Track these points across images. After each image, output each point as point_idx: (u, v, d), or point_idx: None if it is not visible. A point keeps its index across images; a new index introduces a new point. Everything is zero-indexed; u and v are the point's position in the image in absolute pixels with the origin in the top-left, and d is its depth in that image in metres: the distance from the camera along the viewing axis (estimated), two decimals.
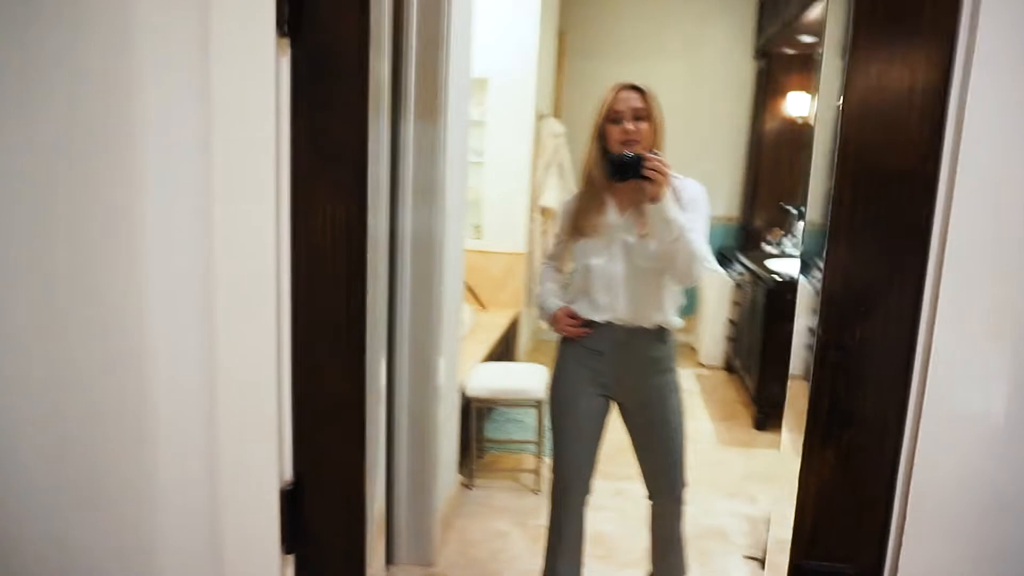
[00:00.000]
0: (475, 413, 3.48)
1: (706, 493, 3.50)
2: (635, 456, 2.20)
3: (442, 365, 2.64)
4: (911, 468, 1.05)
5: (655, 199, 1.79)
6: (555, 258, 2.25)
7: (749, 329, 4.78)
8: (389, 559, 2.74)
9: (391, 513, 2.69)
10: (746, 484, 3.61)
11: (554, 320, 2.14)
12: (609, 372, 2.08)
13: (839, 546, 1.00)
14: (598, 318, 2.03)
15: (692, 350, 6.00)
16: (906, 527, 1.02)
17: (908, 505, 1.03)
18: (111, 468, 1.07)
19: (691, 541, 3.02)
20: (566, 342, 2.14)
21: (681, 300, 2.11)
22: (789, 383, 1.67)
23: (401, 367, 2.56)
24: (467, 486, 3.40)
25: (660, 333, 2.05)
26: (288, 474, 0.94)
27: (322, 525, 1.00)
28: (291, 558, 0.98)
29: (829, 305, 1.11)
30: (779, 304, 4.25)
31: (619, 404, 2.15)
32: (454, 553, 2.85)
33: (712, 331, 5.68)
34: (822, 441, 1.05)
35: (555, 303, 2.16)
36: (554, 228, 2.43)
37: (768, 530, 2.79)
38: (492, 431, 4.00)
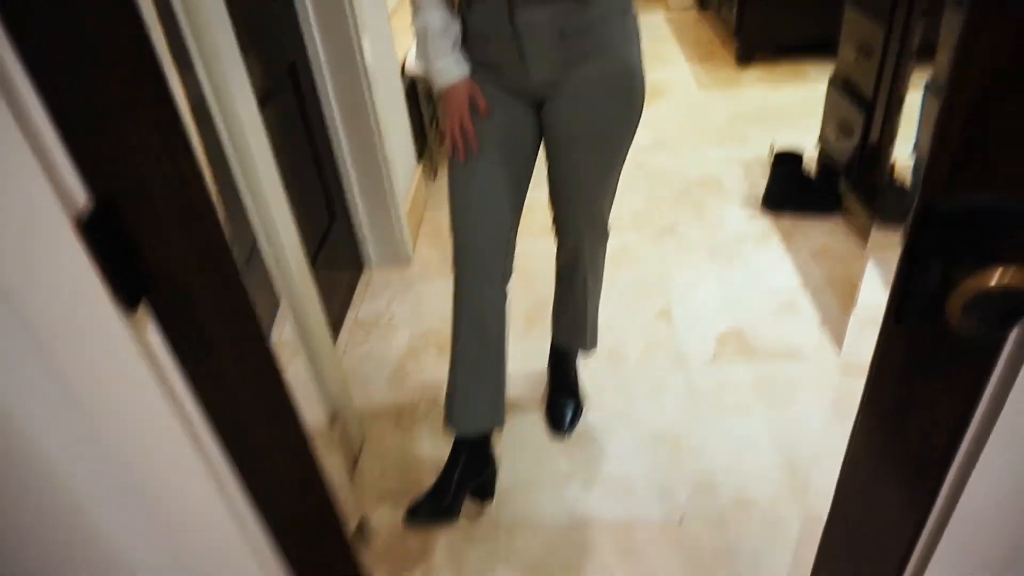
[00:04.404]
0: (423, 94, 3.01)
1: (694, 142, 3.20)
2: (547, 183, 1.52)
3: (368, 43, 2.11)
4: None
5: None
6: None
7: None
8: (361, 265, 2.49)
9: (349, 217, 2.38)
10: (734, 127, 3.29)
11: (450, 100, 1.34)
12: (512, 66, 1.32)
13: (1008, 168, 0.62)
14: None
15: None
16: None
17: None
18: None
19: (684, 193, 2.79)
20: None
21: None
22: None
23: (313, 48, 2.04)
24: (430, 174, 3.06)
25: None
26: (81, 197, 0.54)
27: (171, 258, 0.62)
28: (141, 316, 0.61)
29: None
30: None
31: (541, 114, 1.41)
32: (429, 249, 2.60)
33: None
34: None
35: (456, 65, 1.34)
36: None
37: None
38: None
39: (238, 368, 0.75)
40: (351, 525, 1.54)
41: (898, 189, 2.21)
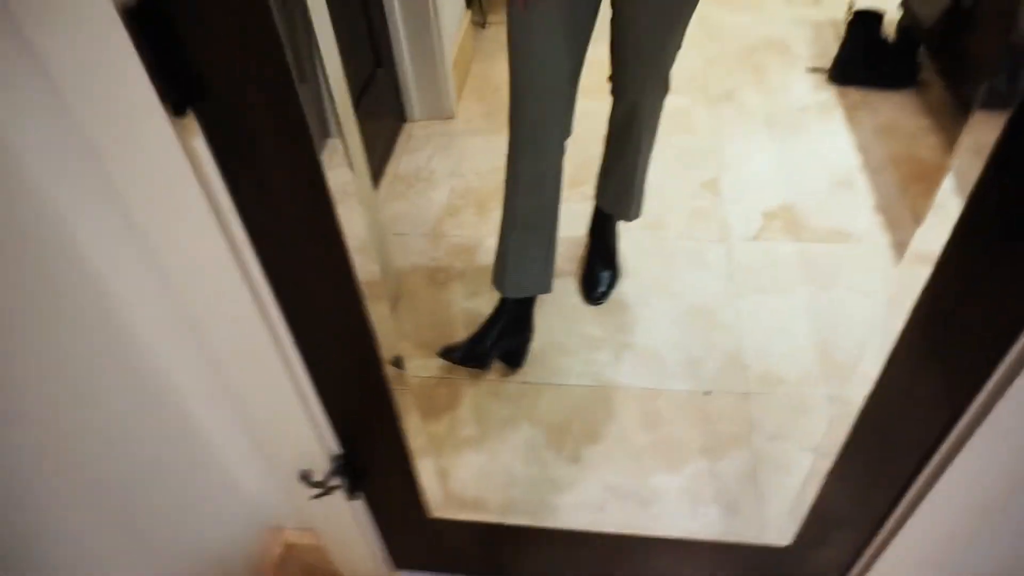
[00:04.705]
0: None
1: None
2: (611, 31, 1.41)
3: None
4: None
5: None
6: None
7: None
8: (403, 117, 2.43)
9: (394, 65, 2.29)
10: None
11: None
12: None
13: None
14: None
15: None
16: None
17: None
18: None
19: (746, 55, 2.61)
20: None
21: None
22: None
23: None
24: (479, 24, 2.90)
25: None
26: None
27: (222, 61, 0.60)
28: (190, 122, 0.60)
29: None
30: None
31: None
32: (474, 103, 2.51)
33: None
34: None
35: None
36: None
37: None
38: None
39: (287, 186, 0.73)
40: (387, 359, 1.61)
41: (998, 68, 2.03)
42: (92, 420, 0.86)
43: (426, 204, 2.10)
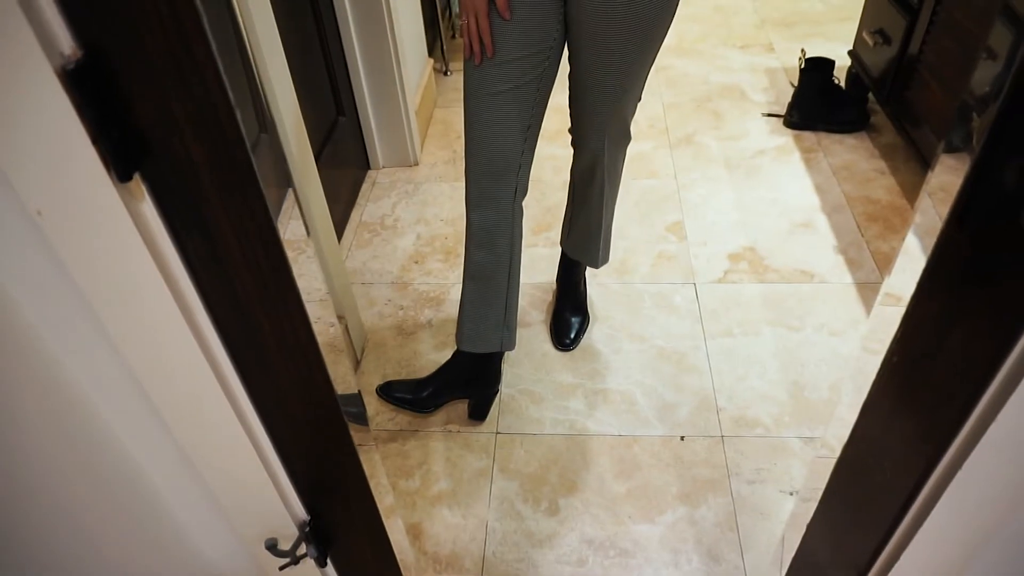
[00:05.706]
0: None
1: (718, 47, 3.04)
2: (570, 82, 1.41)
3: None
4: None
5: None
6: None
7: None
8: (366, 164, 2.42)
9: (356, 113, 2.28)
10: (762, 33, 3.12)
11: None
12: None
13: None
14: None
15: None
16: None
17: None
18: None
19: (704, 101, 2.67)
20: None
21: None
22: None
23: None
24: (442, 71, 2.93)
25: None
26: (67, 47, 0.48)
27: (168, 120, 0.57)
28: (134, 185, 0.56)
29: None
30: None
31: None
32: (438, 149, 2.51)
33: None
34: None
35: None
36: None
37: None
38: None
39: (238, 245, 0.69)
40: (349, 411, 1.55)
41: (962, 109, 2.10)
42: (40, 494, 0.80)
43: (392, 252, 2.08)
